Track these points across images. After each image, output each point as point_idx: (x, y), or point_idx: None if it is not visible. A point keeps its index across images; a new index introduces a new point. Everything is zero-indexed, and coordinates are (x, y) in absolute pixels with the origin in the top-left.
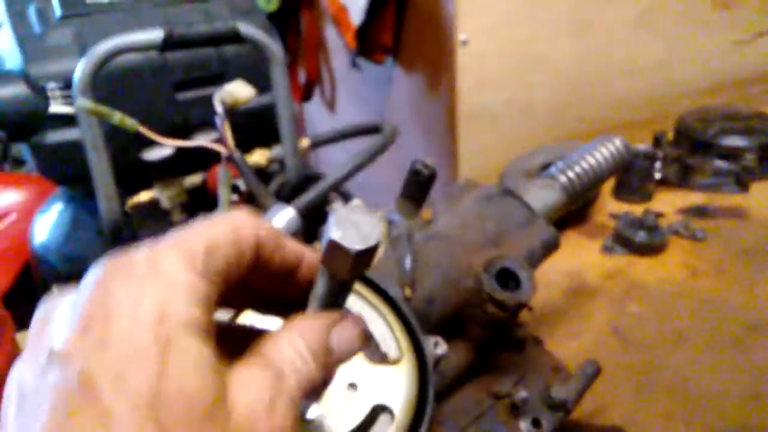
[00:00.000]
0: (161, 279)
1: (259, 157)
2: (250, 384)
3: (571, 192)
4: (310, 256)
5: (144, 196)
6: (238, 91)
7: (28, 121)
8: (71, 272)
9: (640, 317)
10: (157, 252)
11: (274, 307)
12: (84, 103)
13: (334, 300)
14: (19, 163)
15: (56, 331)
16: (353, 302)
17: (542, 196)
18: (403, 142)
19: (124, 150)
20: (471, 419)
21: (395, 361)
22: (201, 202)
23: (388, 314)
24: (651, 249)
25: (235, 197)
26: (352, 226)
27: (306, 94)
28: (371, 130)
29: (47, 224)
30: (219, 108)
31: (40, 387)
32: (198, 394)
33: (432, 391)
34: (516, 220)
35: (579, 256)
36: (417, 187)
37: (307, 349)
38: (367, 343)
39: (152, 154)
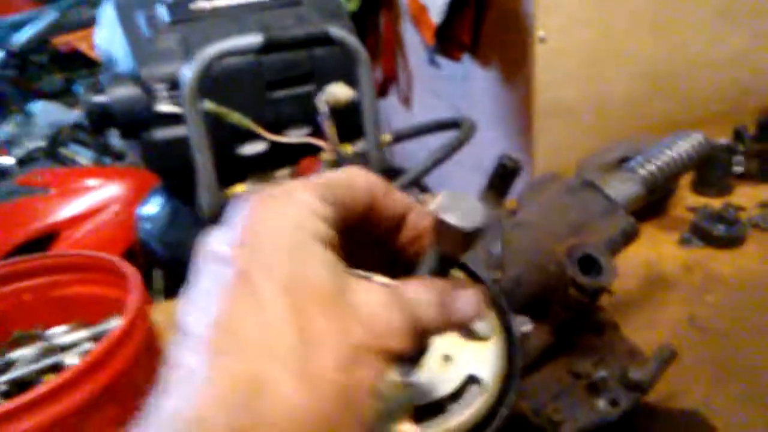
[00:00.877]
0: (295, 203)
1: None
2: (370, 290)
3: (650, 185)
4: (417, 210)
5: (239, 189)
6: (340, 92)
7: (139, 120)
8: (172, 257)
9: (717, 308)
10: (289, 186)
11: (382, 270)
12: (208, 104)
13: (441, 274)
14: (118, 156)
15: (216, 243)
16: None
17: (622, 189)
18: (479, 137)
19: (222, 146)
20: (551, 396)
21: (486, 338)
22: None
23: None
24: (730, 242)
25: None
26: (460, 209)
27: (381, 91)
28: (450, 125)
29: (150, 214)
30: (323, 107)
31: (213, 276)
32: (324, 282)
33: (519, 365)
34: (597, 211)
35: (656, 248)
36: (502, 180)
37: (433, 291)
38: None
39: (248, 149)
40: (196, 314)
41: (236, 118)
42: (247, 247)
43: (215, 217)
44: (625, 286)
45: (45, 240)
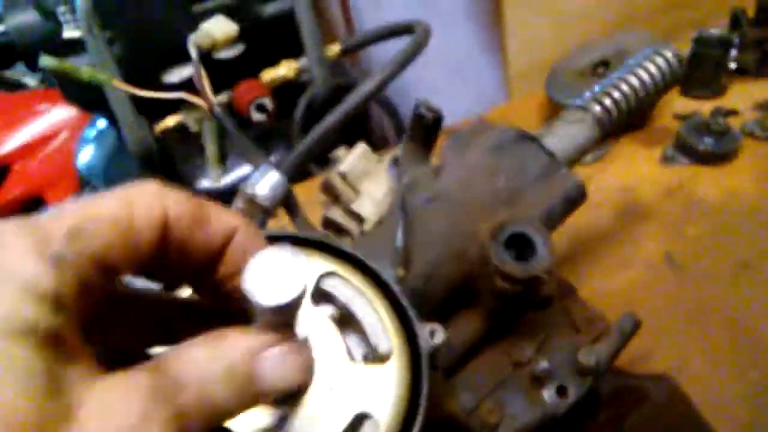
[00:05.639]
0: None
1: (285, 69)
2: (119, 395)
3: (607, 125)
4: (245, 230)
5: (170, 121)
6: (216, 29)
7: (42, 48)
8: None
9: (698, 242)
10: (4, 233)
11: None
12: (47, 61)
13: (276, 327)
14: None
15: None
16: (337, 286)
17: (570, 135)
18: (449, 33)
19: (146, 74)
20: (489, 390)
21: (384, 358)
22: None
23: (378, 300)
24: (718, 158)
25: (261, 117)
26: (270, 277)
27: None
28: (403, 30)
29: (91, 146)
30: (193, 53)
31: None
32: (17, 414)
33: (426, 390)
34: (533, 171)
35: (634, 169)
36: (422, 131)
37: (225, 369)
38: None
39: (172, 76)
40: None
41: (87, 73)
42: None
43: (144, 155)
44: (597, 217)
45: None
